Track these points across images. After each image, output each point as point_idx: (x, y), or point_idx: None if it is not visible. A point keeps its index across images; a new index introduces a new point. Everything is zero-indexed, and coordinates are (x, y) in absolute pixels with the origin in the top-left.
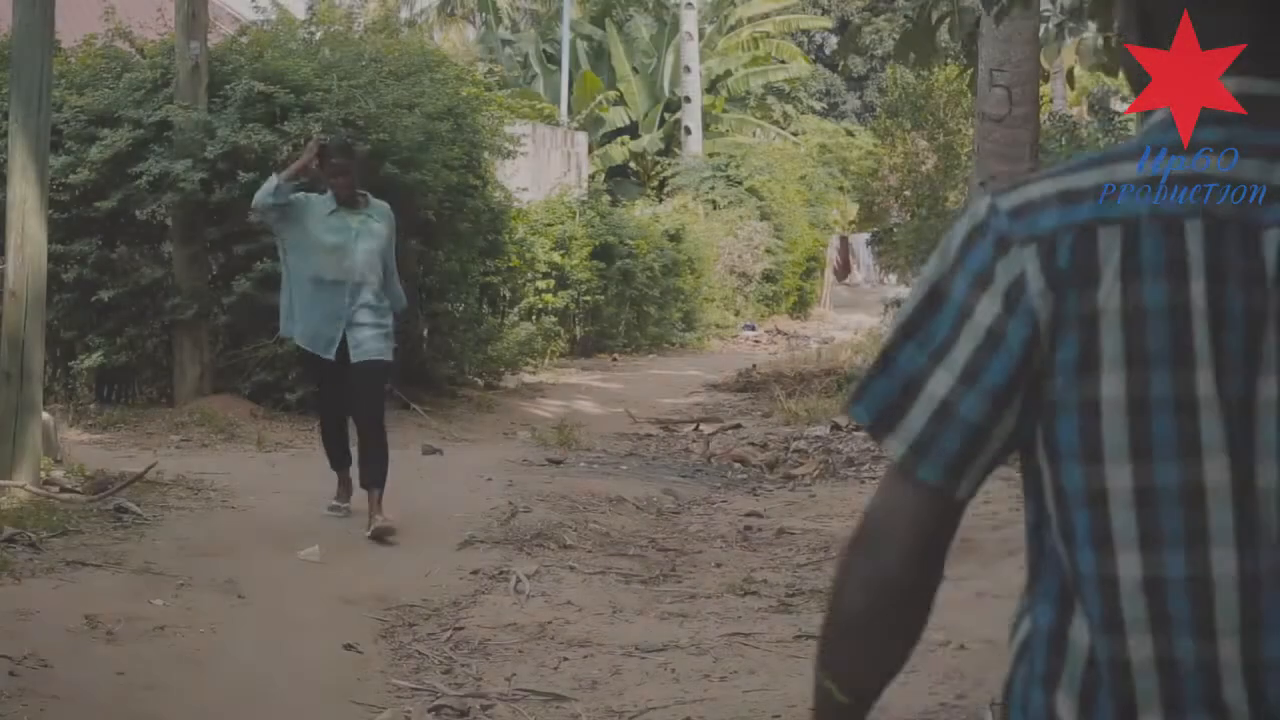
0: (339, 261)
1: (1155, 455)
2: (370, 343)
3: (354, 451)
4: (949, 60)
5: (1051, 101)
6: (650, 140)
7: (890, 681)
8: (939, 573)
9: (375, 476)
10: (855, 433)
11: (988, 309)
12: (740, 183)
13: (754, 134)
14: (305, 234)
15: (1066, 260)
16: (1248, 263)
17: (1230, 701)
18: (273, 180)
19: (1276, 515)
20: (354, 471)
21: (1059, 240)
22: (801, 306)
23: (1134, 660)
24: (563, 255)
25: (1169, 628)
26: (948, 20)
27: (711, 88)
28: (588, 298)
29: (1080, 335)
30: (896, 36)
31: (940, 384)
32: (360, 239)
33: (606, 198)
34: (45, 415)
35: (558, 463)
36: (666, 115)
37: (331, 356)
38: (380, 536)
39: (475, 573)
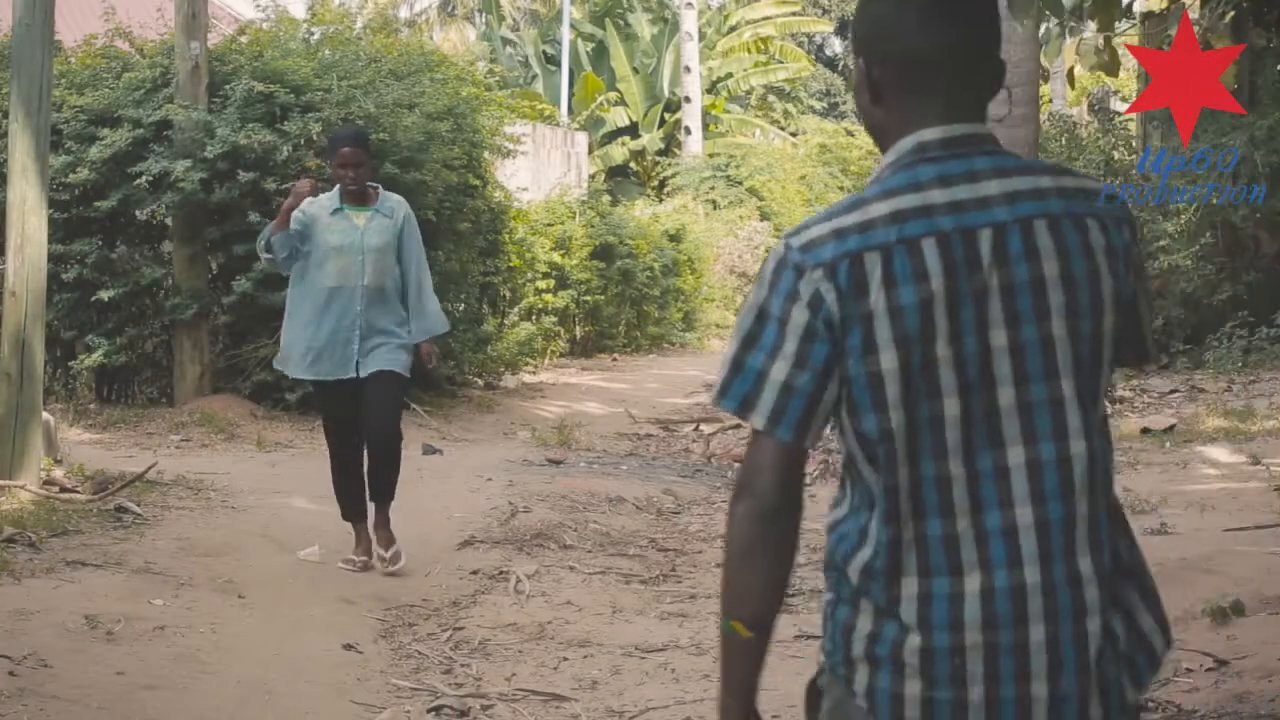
0: (344, 266)
1: (916, 401)
2: (383, 354)
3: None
4: None
5: (1051, 101)
6: (650, 140)
7: (779, 609)
8: (800, 505)
9: (383, 488)
10: None
11: (800, 316)
12: (740, 183)
13: (754, 134)
14: (315, 245)
15: (845, 279)
16: (969, 257)
17: (964, 560)
18: (263, 239)
19: (1018, 421)
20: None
21: (838, 265)
22: None
23: (903, 539)
24: (563, 255)
25: (924, 515)
26: None
27: (712, 88)
28: (588, 298)
29: (861, 328)
30: None
31: (780, 371)
32: (368, 238)
33: (606, 198)
34: (45, 415)
35: (558, 463)
36: (666, 115)
37: (345, 375)
38: (390, 570)
39: (475, 573)
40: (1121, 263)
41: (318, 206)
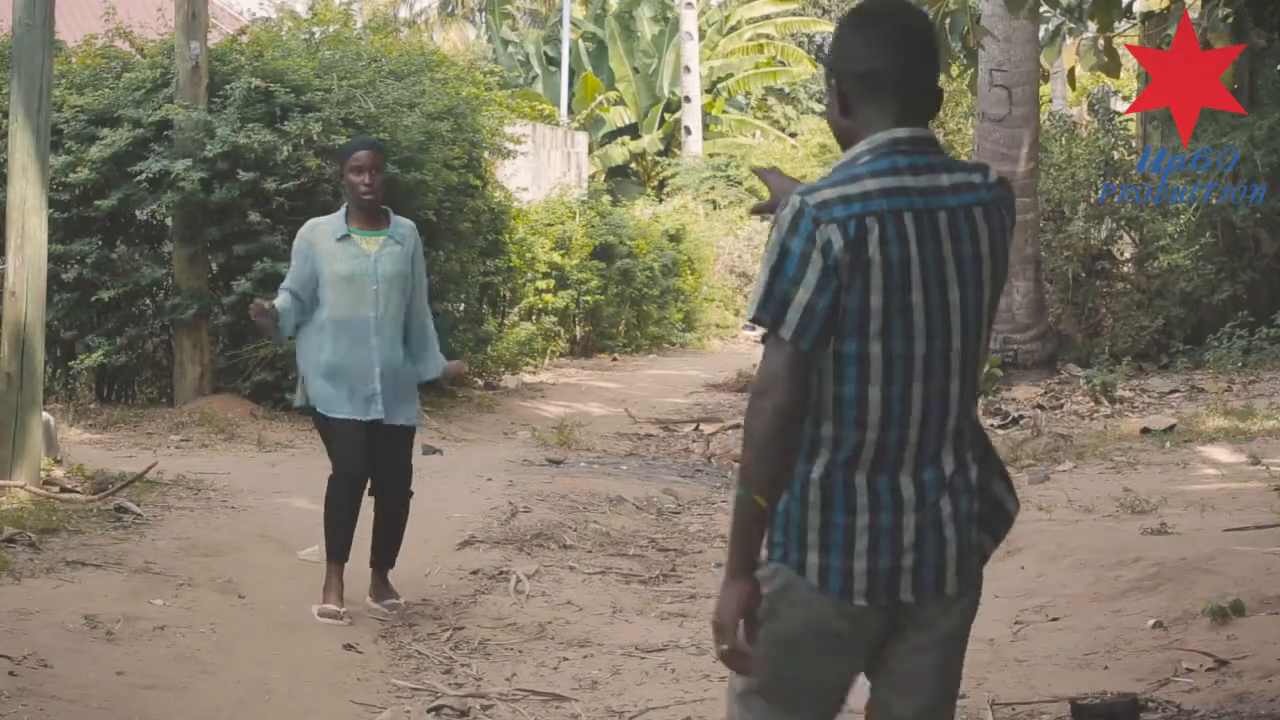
0: (355, 297)
1: (891, 336)
2: (407, 403)
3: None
4: (949, 60)
5: (1051, 101)
6: (650, 140)
7: (784, 488)
8: (807, 403)
9: (388, 557)
10: None
11: (818, 257)
12: (740, 183)
13: (754, 135)
14: (319, 274)
15: (852, 234)
16: (933, 231)
17: (916, 459)
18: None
19: (960, 362)
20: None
21: (846, 223)
22: None
23: (865, 441)
24: (563, 255)
25: (889, 424)
26: (949, 20)
27: (712, 89)
28: (588, 298)
29: (861, 273)
30: None
31: (803, 296)
32: (381, 265)
33: (606, 198)
34: (45, 415)
35: (558, 463)
36: (666, 115)
37: (372, 415)
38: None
39: (475, 573)
40: (1010, 234)
41: (319, 233)
